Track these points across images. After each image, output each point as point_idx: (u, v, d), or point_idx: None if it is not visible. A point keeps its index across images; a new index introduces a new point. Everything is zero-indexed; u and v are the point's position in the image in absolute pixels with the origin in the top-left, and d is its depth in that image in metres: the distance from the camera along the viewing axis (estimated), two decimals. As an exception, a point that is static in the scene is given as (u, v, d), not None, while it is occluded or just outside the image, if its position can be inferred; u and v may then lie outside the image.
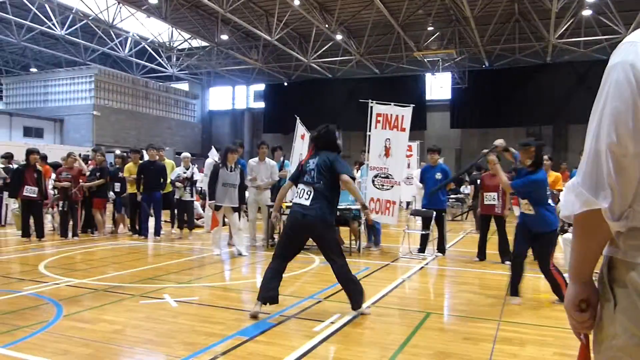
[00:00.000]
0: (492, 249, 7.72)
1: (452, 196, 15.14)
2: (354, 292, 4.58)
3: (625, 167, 1.12)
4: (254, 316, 4.45)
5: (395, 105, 8.46)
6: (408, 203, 15.12)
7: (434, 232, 8.19)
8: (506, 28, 22.22)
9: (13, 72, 29.66)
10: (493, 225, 7.68)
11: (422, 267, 7.26)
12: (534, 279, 6.12)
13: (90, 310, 4.67)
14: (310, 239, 4.84)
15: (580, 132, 22.99)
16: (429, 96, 27.15)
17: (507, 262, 7.30)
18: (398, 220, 8.99)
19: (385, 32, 23.21)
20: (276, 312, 4.65)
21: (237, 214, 7.96)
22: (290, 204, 4.91)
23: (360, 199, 4.93)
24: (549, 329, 4.31)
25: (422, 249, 8.14)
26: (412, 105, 8.45)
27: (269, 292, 4.49)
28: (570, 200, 1.22)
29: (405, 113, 8.32)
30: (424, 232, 8.15)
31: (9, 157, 11.19)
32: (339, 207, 8.03)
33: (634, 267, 1.14)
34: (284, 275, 4.69)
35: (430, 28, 22.59)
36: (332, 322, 4.36)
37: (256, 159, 8.93)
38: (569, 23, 19.68)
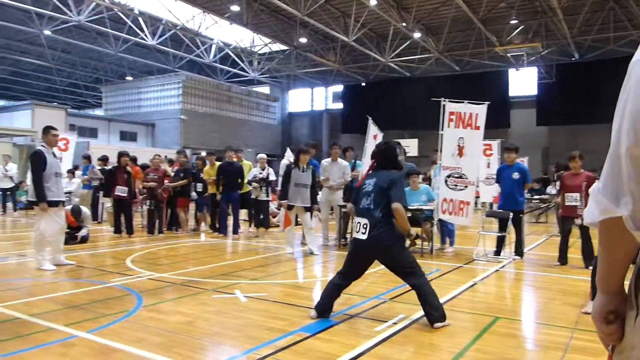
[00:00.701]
0: (576, 253, 7.28)
1: (535, 197, 14.40)
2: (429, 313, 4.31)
3: None
4: (314, 318, 4.51)
5: (469, 103, 8.22)
6: (491, 204, 14.60)
7: (511, 235, 7.86)
8: (599, 17, 20.75)
9: (112, 80, 32.15)
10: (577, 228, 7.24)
11: (497, 270, 7.00)
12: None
13: (167, 302, 4.99)
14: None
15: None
16: (512, 92, 26.00)
17: (591, 267, 6.87)
18: (472, 221, 8.72)
19: (465, 28, 22.55)
20: (340, 310, 4.70)
21: (309, 213, 8.12)
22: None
23: (407, 227, 4.45)
24: (629, 340, 4.01)
25: (498, 252, 7.84)
26: (488, 102, 8.15)
27: (322, 307, 4.53)
28: (592, 207, 1.15)
29: (480, 111, 8.05)
30: (500, 234, 7.84)
31: (104, 159, 12.18)
32: (410, 207, 7.98)
33: None
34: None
35: (513, 21, 21.63)
36: (394, 323, 4.34)
37: (329, 159, 9.05)
38: (671, 8, 18.04)
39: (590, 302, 4.85)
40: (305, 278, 6.68)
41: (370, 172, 4.72)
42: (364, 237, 4.35)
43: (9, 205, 15.20)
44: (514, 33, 22.37)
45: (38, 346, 3.67)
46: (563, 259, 7.27)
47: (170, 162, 11.91)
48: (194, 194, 10.98)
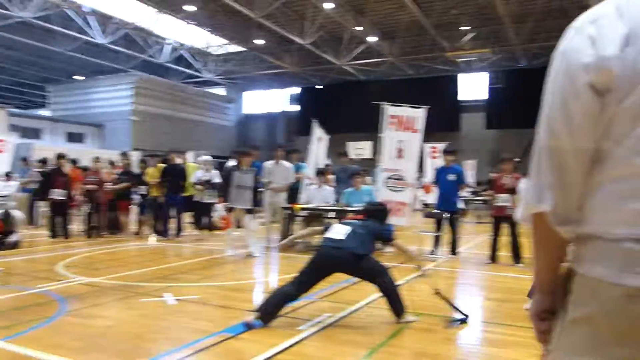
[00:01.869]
0: (507, 250, 7.56)
1: (477, 198, 14.83)
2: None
3: (565, 164, 1.03)
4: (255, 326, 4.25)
5: (409, 106, 8.42)
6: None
7: (447, 234, 8.09)
8: (544, 25, 21.56)
9: (60, 80, 31.12)
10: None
11: (430, 269, 7.18)
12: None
13: (91, 307, 4.90)
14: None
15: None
16: (463, 97, 26.70)
17: (519, 265, 7.16)
18: (411, 221, 8.92)
19: (419, 33, 23.00)
20: (268, 311, 4.72)
21: (250, 215, 8.12)
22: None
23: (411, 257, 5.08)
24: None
25: (434, 251, 8.05)
26: (427, 106, 8.37)
27: (266, 315, 4.26)
28: (521, 204, 1.14)
29: (419, 114, 8.27)
30: (435, 234, 8.06)
31: (44, 161, 11.79)
32: (352, 208, 8.10)
33: (583, 279, 1.04)
34: (289, 275, 4.67)
35: (464, 28, 22.23)
36: (318, 322, 4.41)
37: (272, 161, 9.08)
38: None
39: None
40: (243, 280, 6.68)
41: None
42: (340, 237, 4.37)
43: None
44: (465, 39, 23.01)
45: (-57, 353, 3.54)
46: (493, 257, 7.54)
47: (112, 165, 11.64)
48: (136, 197, 10.79)
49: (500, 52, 23.68)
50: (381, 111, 8.33)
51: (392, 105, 8.43)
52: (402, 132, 8.27)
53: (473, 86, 26.34)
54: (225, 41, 24.68)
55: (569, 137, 1.01)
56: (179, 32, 23.95)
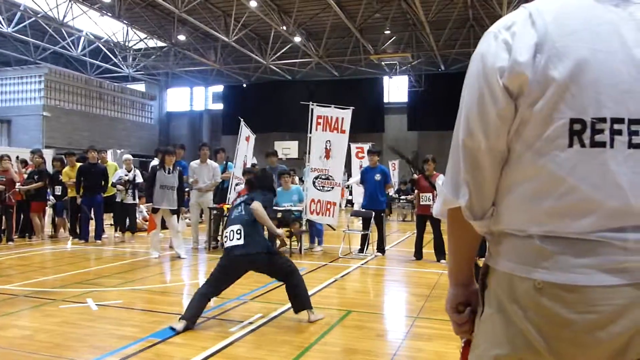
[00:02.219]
0: (431, 247, 7.90)
1: (402, 197, 15.38)
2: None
3: (480, 162, 1.08)
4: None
5: (335, 107, 8.56)
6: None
7: (374, 233, 8.32)
8: (461, 33, 22.71)
9: (-40, 70, 28.51)
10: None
11: (359, 267, 7.36)
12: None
13: (3, 317, 4.55)
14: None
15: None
16: (387, 99, 27.52)
17: (443, 261, 7.50)
18: (338, 221, 9.08)
19: (343, 35, 23.38)
20: (198, 313, 4.62)
21: (175, 216, 7.89)
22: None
23: (269, 224, 4.53)
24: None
25: (361, 249, 8.25)
26: (352, 107, 8.55)
27: (190, 318, 4.20)
28: (438, 199, 1.19)
29: (345, 115, 8.42)
30: (363, 233, 8.26)
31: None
32: (279, 208, 8.11)
33: (497, 274, 1.09)
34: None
35: (387, 32, 22.90)
36: (250, 323, 4.38)
37: (198, 160, 8.88)
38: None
39: None
40: (170, 283, 6.48)
41: (246, 194, 4.78)
42: (240, 242, 4.29)
43: None
44: (388, 43, 23.71)
45: None
46: (419, 254, 7.85)
47: (24, 163, 10.85)
48: (51, 198, 10.13)
49: (422, 57, 24.63)
50: (310, 111, 8.40)
51: (319, 105, 8.53)
52: (330, 132, 8.39)
53: (396, 89, 27.19)
54: (145, 35, 23.73)
55: (484, 136, 1.06)
56: (95, 24, 22.74)
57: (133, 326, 4.30)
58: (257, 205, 4.41)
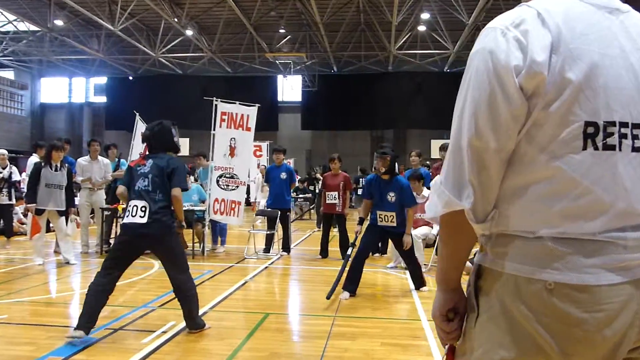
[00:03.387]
0: (335, 245, 8.00)
1: (300, 196, 15.49)
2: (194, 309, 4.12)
3: (487, 163, 1.04)
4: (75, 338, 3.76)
5: (240, 104, 8.34)
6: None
7: (279, 232, 8.24)
8: (353, 36, 23.43)
9: None
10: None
11: (266, 267, 7.24)
12: (371, 274, 6.43)
13: None
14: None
15: (417, 136, 25.27)
16: (280, 98, 27.57)
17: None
18: (244, 220, 8.87)
19: (237, 31, 22.96)
20: (103, 325, 4.20)
21: (63, 218, 7.15)
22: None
23: (182, 216, 4.30)
24: (378, 321, 4.54)
25: (267, 249, 8.13)
26: (258, 105, 8.39)
27: (85, 322, 3.79)
28: (434, 200, 1.12)
29: (251, 112, 8.23)
30: (269, 232, 8.15)
31: None
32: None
33: (501, 277, 1.06)
34: (117, 283, 4.15)
35: (282, 31, 22.91)
36: (164, 332, 4.08)
37: (87, 157, 8.15)
38: (407, 36, 21.40)
39: (345, 292, 5.34)
40: (59, 292, 5.84)
41: (146, 154, 4.32)
42: (144, 220, 3.90)
43: None
44: (283, 42, 23.73)
45: None
46: (325, 252, 7.92)
47: None
48: None
49: (315, 58, 25.02)
50: (214, 107, 8.08)
51: (223, 101, 8.24)
52: (235, 129, 8.14)
53: (290, 88, 27.32)
54: (15, 17, 21.34)
55: (494, 137, 1.03)
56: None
57: (27, 344, 3.80)
58: (178, 193, 4.07)
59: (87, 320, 3.79)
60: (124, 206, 6.71)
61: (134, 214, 3.96)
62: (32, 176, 6.97)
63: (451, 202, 1.08)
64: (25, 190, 10.16)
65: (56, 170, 7.01)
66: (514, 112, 1.03)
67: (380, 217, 5.43)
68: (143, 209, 3.96)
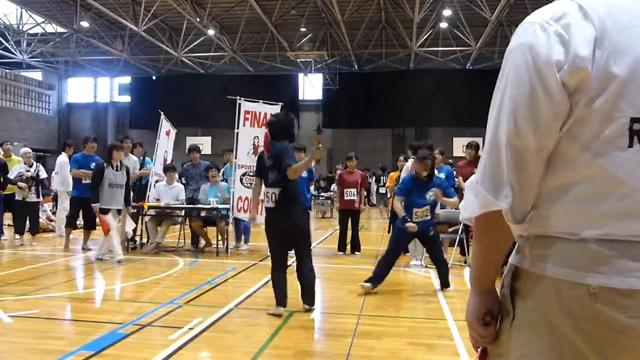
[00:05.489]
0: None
1: (322, 194, 15.50)
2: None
3: (527, 162, 1.01)
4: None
5: (264, 102, 8.38)
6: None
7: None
8: (374, 34, 23.33)
9: None
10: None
11: (289, 265, 7.23)
12: (394, 272, 6.39)
13: None
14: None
15: (439, 134, 25.02)
16: (301, 96, 27.62)
17: (357, 253, 7.93)
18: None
19: (259, 30, 23.09)
20: (130, 321, 4.29)
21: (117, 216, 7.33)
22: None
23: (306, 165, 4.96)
24: (403, 320, 4.52)
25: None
26: (281, 103, 8.43)
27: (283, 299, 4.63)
28: (470, 200, 1.09)
29: (274, 111, 8.25)
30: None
31: None
32: (205, 206, 7.83)
33: (540, 280, 1.03)
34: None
35: (302, 29, 22.95)
36: (190, 328, 4.13)
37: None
38: (428, 33, 21.24)
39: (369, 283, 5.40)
40: (87, 288, 5.97)
41: (269, 142, 4.87)
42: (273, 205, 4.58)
43: None
44: (303, 40, 23.76)
45: None
46: (343, 248, 7.97)
47: None
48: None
49: (336, 56, 24.99)
50: (238, 106, 8.13)
51: (247, 100, 8.29)
52: (258, 128, 8.19)
53: (311, 86, 27.35)
54: (43, 19, 21.81)
55: (534, 135, 1.00)
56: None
57: (58, 339, 3.88)
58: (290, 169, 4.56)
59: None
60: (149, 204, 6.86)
61: (270, 199, 4.72)
62: (96, 176, 7.11)
63: (489, 202, 1.05)
64: (52, 188, 10.44)
65: (117, 170, 7.17)
66: (555, 109, 0.99)
67: (416, 215, 5.64)
68: (272, 195, 4.71)
